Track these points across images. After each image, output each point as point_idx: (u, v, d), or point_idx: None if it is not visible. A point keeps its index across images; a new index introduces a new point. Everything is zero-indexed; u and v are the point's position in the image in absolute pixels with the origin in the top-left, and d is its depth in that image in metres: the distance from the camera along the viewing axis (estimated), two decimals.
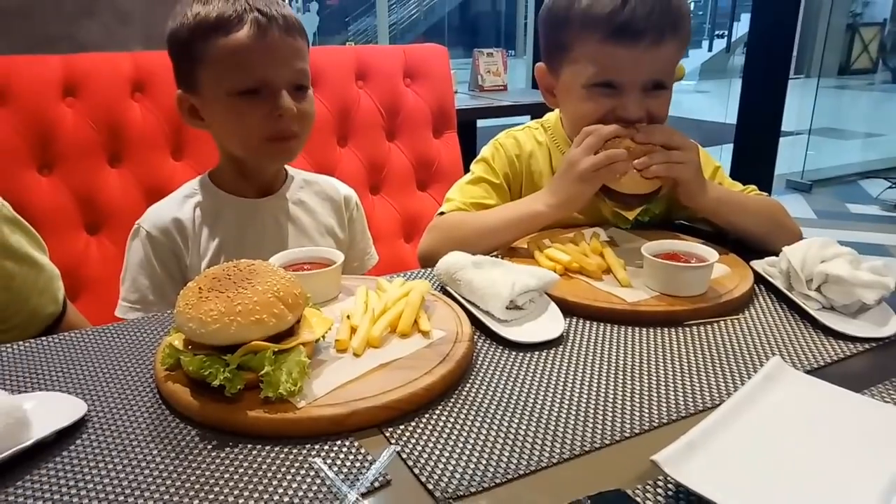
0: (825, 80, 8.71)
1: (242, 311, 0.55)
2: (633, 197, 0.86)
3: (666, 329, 0.72)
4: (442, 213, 1.02)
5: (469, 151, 2.66)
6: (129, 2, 2.25)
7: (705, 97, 10.21)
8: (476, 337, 0.70)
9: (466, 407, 0.58)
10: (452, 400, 0.59)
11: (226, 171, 1.03)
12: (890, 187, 4.44)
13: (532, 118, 2.83)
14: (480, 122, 2.95)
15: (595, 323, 0.74)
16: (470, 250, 0.83)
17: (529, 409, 0.58)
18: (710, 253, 0.78)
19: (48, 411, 0.55)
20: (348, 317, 0.68)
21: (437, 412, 0.57)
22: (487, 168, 1.05)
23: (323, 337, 0.63)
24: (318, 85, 1.52)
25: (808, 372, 0.63)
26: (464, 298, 0.77)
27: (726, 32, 11.66)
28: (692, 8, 12.92)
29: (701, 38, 12.29)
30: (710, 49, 12.07)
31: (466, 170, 1.85)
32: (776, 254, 0.82)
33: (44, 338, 0.72)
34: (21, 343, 0.71)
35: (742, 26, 11.02)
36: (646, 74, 0.91)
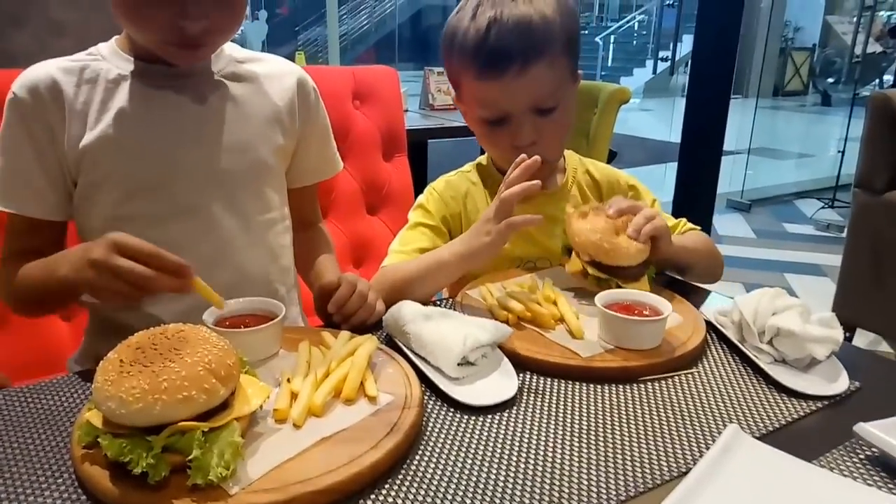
0: (761, 101, 9.12)
1: (169, 387, 0.50)
2: (637, 267, 0.85)
3: (620, 386, 0.70)
4: (386, 266, 0.99)
5: (420, 172, 2.63)
6: (62, 11, 2.14)
7: (649, 115, 10.51)
8: (426, 397, 0.67)
9: (415, 485, 0.54)
10: (400, 476, 0.55)
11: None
12: (822, 207, 4.64)
13: None
14: (431, 141, 2.93)
15: (548, 379, 0.72)
16: (406, 298, 0.82)
17: (482, 485, 0.54)
18: (662, 304, 0.77)
19: None
20: (288, 380, 0.63)
21: (384, 493, 0.53)
22: (423, 212, 1.04)
23: (260, 406, 0.58)
24: None
25: (762, 436, 0.62)
26: (412, 352, 0.73)
27: (669, 55, 12.06)
28: (635, 28, 13.40)
29: (645, 57, 12.68)
30: (654, 69, 12.46)
31: (417, 192, 1.82)
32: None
33: None
34: None
35: (685, 47, 11.43)
36: (526, 101, 0.92)
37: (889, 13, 10.00)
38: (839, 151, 4.79)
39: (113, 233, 0.67)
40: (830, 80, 11.15)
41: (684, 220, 1.08)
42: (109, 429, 0.52)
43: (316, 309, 0.87)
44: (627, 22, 13.50)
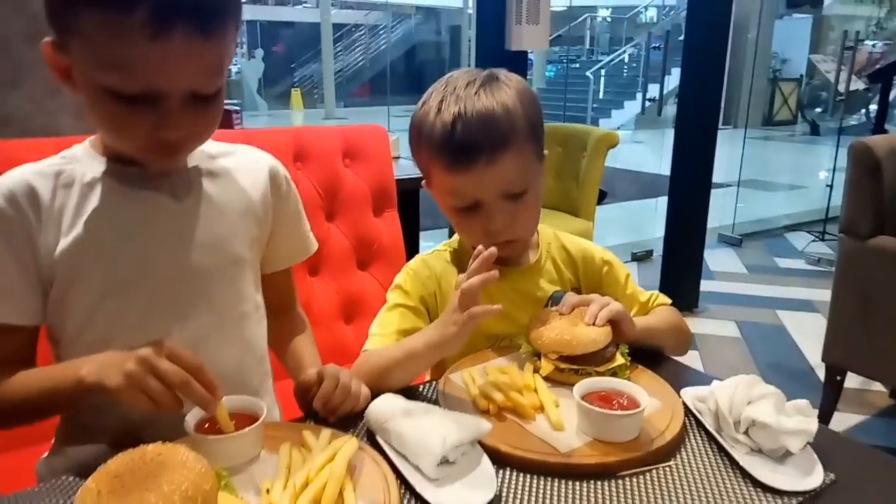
0: (751, 131, 9.25)
1: None
2: (606, 349, 0.89)
3: (599, 482, 0.71)
4: (367, 350, 1.00)
5: (412, 222, 2.64)
6: None
7: (641, 147, 10.64)
8: (405, 500, 0.67)
9: None
10: None
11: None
12: (813, 241, 4.68)
13: None
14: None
15: (528, 476, 0.72)
16: (384, 388, 0.86)
17: None
18: (639, 393, 0.78)
19: None
20: (268, 490, 0.64)
21: None
22: (402, 293, 1.05)
23: None
24: None
25: None
26: (393, 450, 0.74)
27: (658, 87, 12.27)
28: (626, 61, 13.65)
29: (636, 90, 12.89)
30: (643, 102, 12.65)
31: (408, 246, 1.83)
32: None
33: None
34: None
35: (674, 79, 11.65)
36: (496, 189, 0.95)
37: (872, 42, 10.23)
38: (828, 185, 4.85)
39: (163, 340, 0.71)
40: (818, 109, 11.36)
41: (656, 293, 1.10)
42: None
43: (298, 403, 0.88)
44: (618, 55, 13.76)
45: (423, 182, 1.04)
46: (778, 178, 7.84)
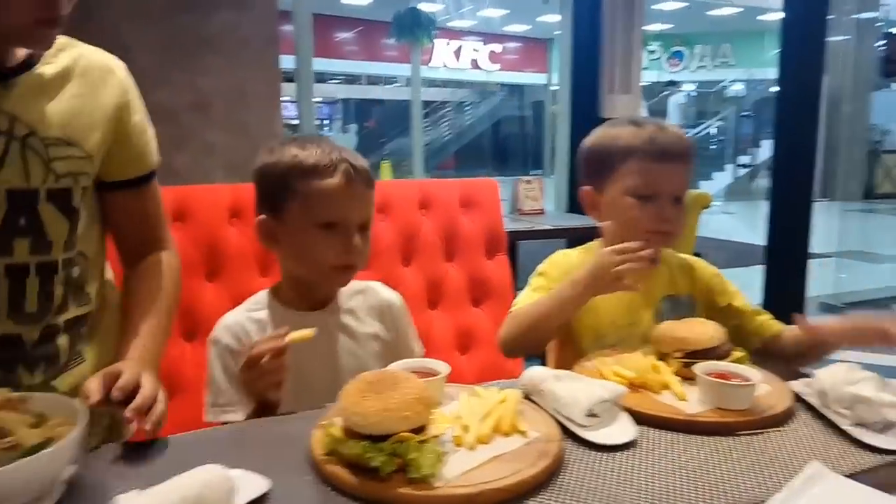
0: (850, 204, 8.96)
1: (394, 408, 0.72)
2: (724, 346, 1.04)
3: (720, 437, 0.86)
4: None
5: (512, 269, 2.85)
6: (214, 136, 2.59)
7: (732, 218, 10.49)
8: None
9: (564, 495, 0.72)
10: (554, 489, 0.74)
11: (285, 288, 1.18)
12: None
13: (568, 241, 3.03)
14: (522, 242, 3.19)
15: (659, 430, 0.88)
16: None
17: (619, 500, 0.72)
18: (752, 373, 0.94)
19: (244, 484, 0.71)
20: (459, 417, 0.84)
21: (542, 499, 0.72)
22: (546, 279, 1.25)
23: (445, 432, 0.78)
24: (388, 212, 1.76)
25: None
26: (548, 406, 0.92)
27: (748, 159, 12.18)
28: (712, 133, 13.67)
29: (723, 162, 12.82)
30: (734, 173, 12.55)
31: (517, 287, 2.02)
32: None
33: (222, 426, 0.91)
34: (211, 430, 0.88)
35: (764, 152, 11.54)
36: (675, 188, 1.18)
37: None
38: None
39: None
40: None
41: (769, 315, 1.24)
42: (349, 437, 0.74)
43: None
44: (705, 128, 13.81)
45: (586, 188, 1.26)
46: (884, 250, 7.52)
